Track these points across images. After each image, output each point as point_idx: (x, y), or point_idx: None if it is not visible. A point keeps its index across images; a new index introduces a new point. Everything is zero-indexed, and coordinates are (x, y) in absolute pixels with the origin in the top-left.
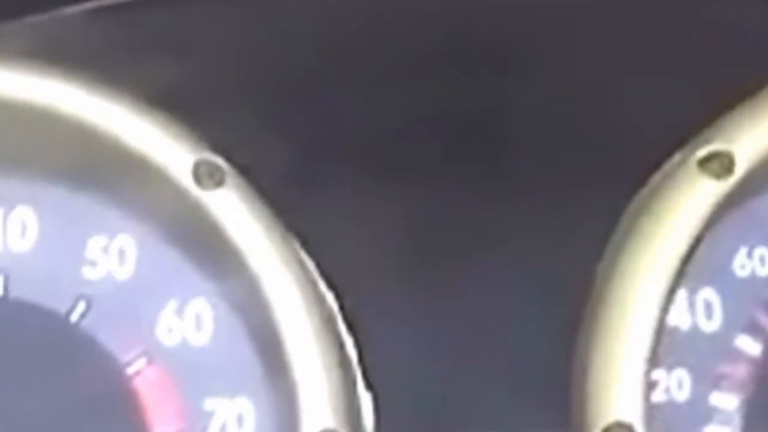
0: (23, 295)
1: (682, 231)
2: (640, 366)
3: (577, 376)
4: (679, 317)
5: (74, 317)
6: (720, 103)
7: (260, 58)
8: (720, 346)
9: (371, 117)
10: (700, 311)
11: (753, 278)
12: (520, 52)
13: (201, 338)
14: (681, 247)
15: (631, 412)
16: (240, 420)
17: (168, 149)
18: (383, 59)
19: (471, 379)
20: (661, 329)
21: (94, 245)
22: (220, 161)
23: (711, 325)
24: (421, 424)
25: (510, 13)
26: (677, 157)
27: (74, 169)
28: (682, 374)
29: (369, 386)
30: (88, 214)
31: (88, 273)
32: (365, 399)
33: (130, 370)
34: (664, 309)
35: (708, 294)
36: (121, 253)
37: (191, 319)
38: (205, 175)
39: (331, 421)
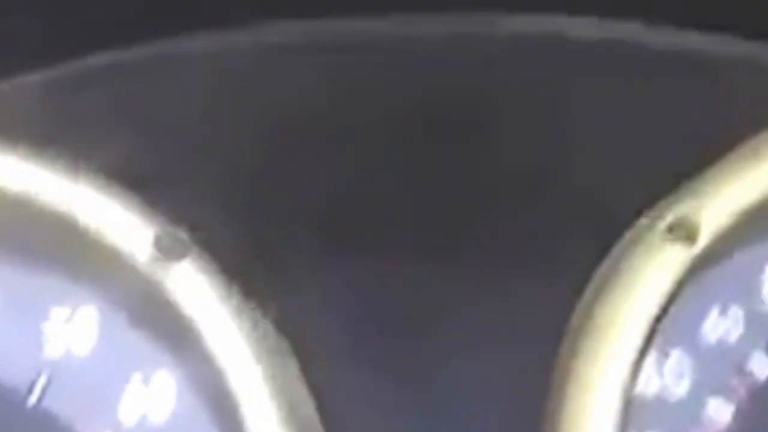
0: None
1: (650, 297)
2: None
3: None
4: (648, 381)
5: (35, 394)
6: (685, 168)
7: (220, 130)
8: (689, 410)
9: (332, 189)
10: (669, 375)
11: (724, 340)
12: (483, 123)
13: (161, 415)
14: (650, 312)
15: None
16: None
17: (128, 223)
18: (345, 131)
19: None
20: (630, 395)
21: (55, 320)
22: (181, 234)
23: (680, 389)
24: None
25: (473, 84)
26: (644, 222)
27: (32, 245)
28: None
29: None
30: (49, 289)
31: (49, 349)
32: None
33: None
34: (634, 374)
35: (678, 357)
36: (82, 329)
37: (153, 396)
38: (166, 249)
39: None
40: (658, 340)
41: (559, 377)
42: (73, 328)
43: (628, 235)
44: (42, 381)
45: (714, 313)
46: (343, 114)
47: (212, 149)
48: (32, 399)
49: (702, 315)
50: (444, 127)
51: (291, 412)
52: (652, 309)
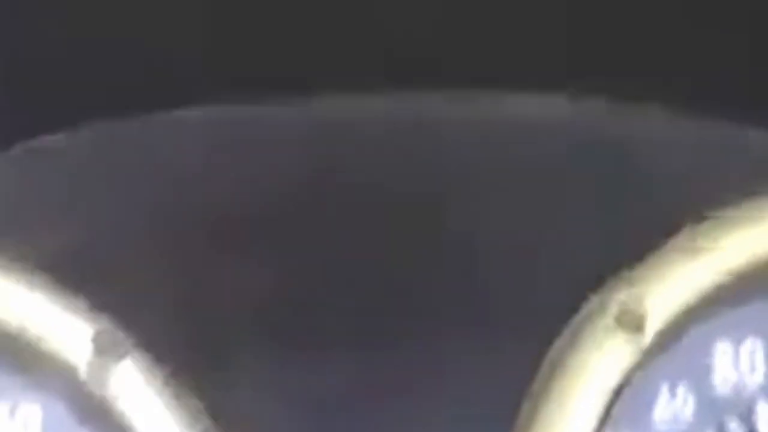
0: None
1: (600, 382)
2: None
3: None
4: None
5: None
6: (630, 253)
7: (158, 223)
8: None
9: (276, 285)
10: None
11: (674, 424)
12: (430, 213)
13: None
14: (601, 398)
15: None
16: None
17: (66, 323)
18: (284, 225)
19: None
20: None
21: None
22: (119, 333)
23: None
24: None
25: (420, 168)
26: (593, 306)
27: None
28: None
29: None
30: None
31: None
32: None
33: None
34: None
35: None
36: (26, 424)
37: None
38: (104, 349)
39: None
40: (610, 424)
41: None
42: (17, 422)
43: (577, 320)
44: None
45: (664, 397)
46: (282, 208)
47: (153, 245)
48: None
49: (652, 399)
50: (385, 211)
51: None
52: (603, 393)
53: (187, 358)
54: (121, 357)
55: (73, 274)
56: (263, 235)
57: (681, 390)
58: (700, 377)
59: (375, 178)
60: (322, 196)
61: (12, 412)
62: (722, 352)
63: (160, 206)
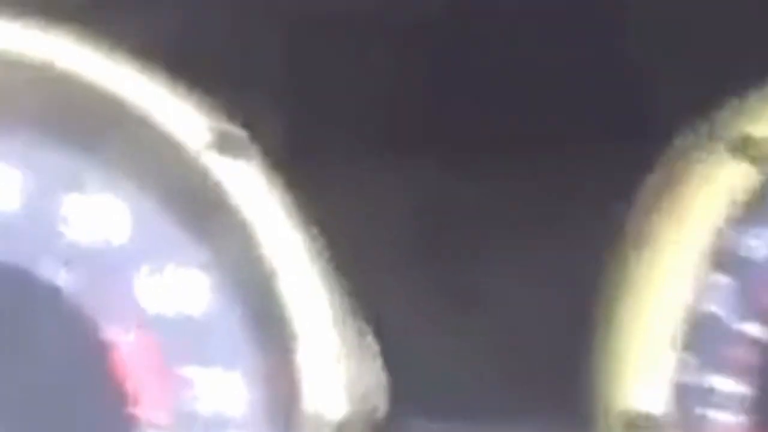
0: (3, 257)
1: (708, 216)
2: (666, 353)
3: (595, 363)
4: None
5: (58, 281)
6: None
7: (273, 16)
8: (728, 330)
9: (380, 91)
10: (710, 295)
11: (766, 263)
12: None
13: (192, 308)
14: (706, 233)
15: (656, 403)
16: (230, 395)
17: (182, 114)
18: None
19: (482, 363)
20: (688, 315)
21: (80, 206)
22: (236, 130)
23: (720, 310)
24: (433, 405)
25: None
26: (702, 132)
27: (65, 126)
28: (687, 358)
29: (380, 365)
30: (77, 173)
31: (74, 236)
32: (375, 378)
33: (114, 338)
34: (689, 294)
35: (718, 278)
36: (112, 216)
37: (182, 288)
38: (219, 143)
39: (338, 399)
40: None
41: (610, 293)
42: (102, 215)
43: (687, 148)
44: (65, 265)
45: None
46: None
47: (267, 37)
48: (56, 282)
49: (743, 234)
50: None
51: (340, 308)
52: (709, 229)
53: (294, 158)
54: (234, 153)
55: (186, 62)
56: (373, 39)
57: None
58: None
59: None
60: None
61: (95, 208)
62: None
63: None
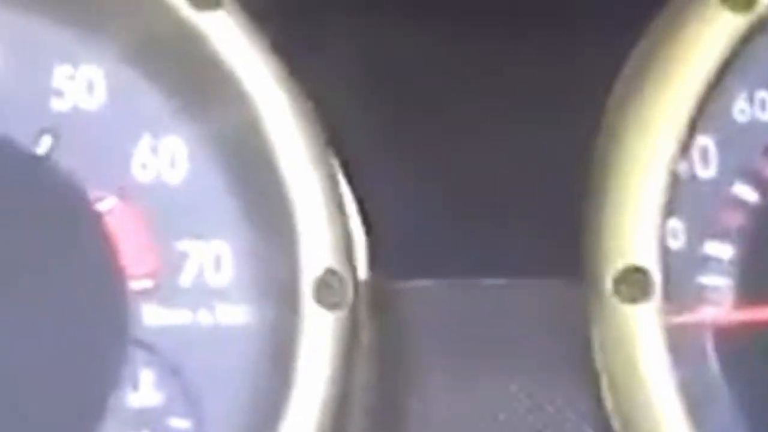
0: None
1: (698, 69)
2: (655, 212)
3: (590, 222)
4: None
5: (41, 149)
6: None
7: None
8: (717, 193)
9: None
10: (697, 158)
11: (753, 124)
12: None
13: (176, 176)
14: (696, 88)
15: (647, 257)
16: (217, 262)
17: None
18: None
19: (475, 221)
20: (673, 176)
21: (62, 74)
22: None
23: (707, 173)
24: (421, 264)
25: None
26: None
27: None
28: (676, 223)
29: (365, 225)
30: (56, 40)
31: (57, 104)
32: (360, 238)
33: (101, 207)
34: (677, 155)
35: (705, 141)
36: (90, 84)
37: (166, 156)
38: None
39: (330, 261)
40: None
41: (602, 152)
42: (81, 82)
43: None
44: (48, 136)
45: (743, 95)
46: None
47: None
48: (39, 150)
49: (732, 97)
50: None
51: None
52: (699, 85)
53: (279, 13)
54: (216, 7)
55: None
56: None
57: (759, 90)
58: None
59: None
60: None
61: (74, 75)
62: None
63: None
